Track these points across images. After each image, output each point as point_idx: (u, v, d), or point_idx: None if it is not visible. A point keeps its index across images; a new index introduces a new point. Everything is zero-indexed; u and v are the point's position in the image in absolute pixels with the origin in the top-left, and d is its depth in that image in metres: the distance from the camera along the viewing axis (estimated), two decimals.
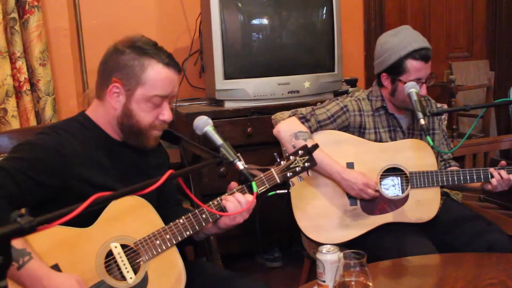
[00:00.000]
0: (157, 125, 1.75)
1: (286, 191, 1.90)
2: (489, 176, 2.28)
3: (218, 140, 1.67)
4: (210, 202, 1.74)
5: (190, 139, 1.88)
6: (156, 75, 1.69)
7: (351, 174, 2.27)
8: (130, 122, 1.72)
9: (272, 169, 1.83)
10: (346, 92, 3.39)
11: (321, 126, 2.36)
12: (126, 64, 1.69)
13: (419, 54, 2.29)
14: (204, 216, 1.72)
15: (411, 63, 2.30)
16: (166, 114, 1.74)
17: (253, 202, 1.73)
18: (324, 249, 1.64)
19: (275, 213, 2.58)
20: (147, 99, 1.70)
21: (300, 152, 1.88)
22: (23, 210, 1.72)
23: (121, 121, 1.73)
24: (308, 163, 1.88)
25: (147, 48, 1.71)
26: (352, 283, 1.45)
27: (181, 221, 1.70)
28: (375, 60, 2.44)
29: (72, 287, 1.49)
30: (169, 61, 1.72)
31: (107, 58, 1.75)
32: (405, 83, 2.29)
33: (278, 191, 1.85)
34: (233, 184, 1.79)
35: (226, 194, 1.76)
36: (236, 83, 3.19)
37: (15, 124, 3.10)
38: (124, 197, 1.59)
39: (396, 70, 2.33)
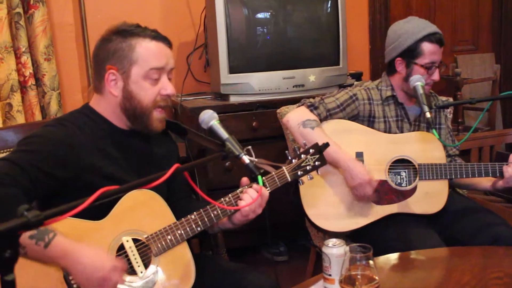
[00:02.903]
0: (159, 101, 1.74)
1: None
2: (497, 171, 2.27)
3: (223, 134, 1.66)
4: (222, 199, 1.74)
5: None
6: (146, 50, 1.71)
7: (358, 167, 2.24)
8: (133, 104, 1.72)
9: (284, 168, 1.83)
10: (351, 86, 3.38)
11: (330, 114, 2.36)
12: (115, 49, 1.71)
13: (435, 38, 2.34)
14: (215, 212, 1.72)
15: (427, 46, 2.33)
16: (169, 88, 1.74)
17: (260, 196, 1.72)
18: (330, 242, 1.63)
19: (280, 207, 2.57)
20: (143, 75, 1.71)
21: (311, 150, 1.88)
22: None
23: (124, 106, 1.73)
24: (319, 162, 1.88)
25: (131, 29, 1.73)
26: (358, 276, 1.45)
27: (193, 217, 1.71)
28: (387, 47, 2.46)
29: (103, 256, 1.51)
30: (156, 34, 1.75)
31: (97, 50, 1.77)
32: (421, 66, 2.33)
33: None
34: (245, 180, 1.78)
35: (238, 190, 1.76)
36: (241, 77, 3.19)
37: (20, 119, 3.10)
38: (136, 191, 1.60)
39: (411, 53, 2.35)
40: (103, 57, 1.72)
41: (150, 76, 1.71)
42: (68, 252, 1.47)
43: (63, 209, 1.06)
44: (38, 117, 3.19)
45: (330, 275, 1.61)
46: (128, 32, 1.71)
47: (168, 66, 1.75)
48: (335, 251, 1.60)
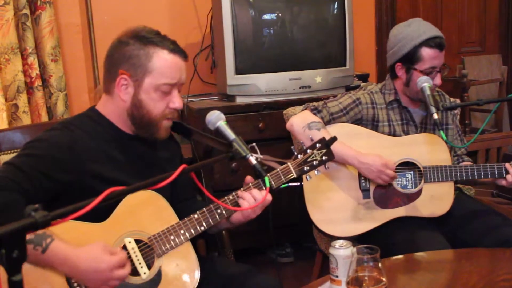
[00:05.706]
0: (167, 114, 1.74)
1: (298, 183, 1.88)
2: (503, 172, 2.26)
3: (230, 135, 1.65)
4: (225, 197, 1.73)
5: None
6: (163, 62, 1.69)
7: (368, 157, 2.24)
8: (141, 113, 1.71)
9: (289, 163, 1.80)
10: (357, 87, 3.38)
11: (333, 118, 2.35)
12: (131, 55, 1.69)
13: (434, 42, 2.30)
14: (219, 211, 1.72)
15: (426, 51, 2.30)
16: (177, 102, 1.73)
17: (266, 197, 1.71)
18: (337, 244, 1.63)
19: (286, 208, 2.57)
20: (155, 88, 1.69)
21: (317, 145, 1.85)
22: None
23: (132, 113, 1.72)
24: (326, 157, 1.85)
25: (151, 37, 1.70)
26: (365, 278, 1.45)
27: (196, 216, 1.70)
28: (388, 51, 2.44)
29: (99, 258, 1.50)
30: (174, 47, 1.72)
31: (112, 51, 1.75)
32: (420, 71, 2.30)
33: (290, 184, 1.83)
34: (249, 179, 1.77)
35: (241, 189, 1.75)
36: (248, 78, 3.19)
37: (26, 120, 3.11)
38: (138, 192, 1.59)
39: (411, 59, 2.33)
40: (117, 60, 1.71)
41: (161, 89, 1.70)
42: (66, 258, 1.47)
43: (70, 209, 1.06)
44: (44, 118, 3.20)
45: (337, 276, 1.61)
46: (147, 39, 1.69)
47: (181, 81, 1.74)
48: (342, 253, 1.60)
